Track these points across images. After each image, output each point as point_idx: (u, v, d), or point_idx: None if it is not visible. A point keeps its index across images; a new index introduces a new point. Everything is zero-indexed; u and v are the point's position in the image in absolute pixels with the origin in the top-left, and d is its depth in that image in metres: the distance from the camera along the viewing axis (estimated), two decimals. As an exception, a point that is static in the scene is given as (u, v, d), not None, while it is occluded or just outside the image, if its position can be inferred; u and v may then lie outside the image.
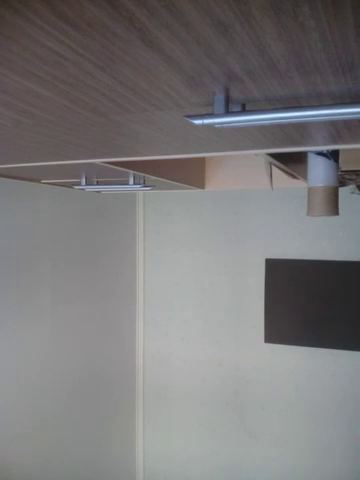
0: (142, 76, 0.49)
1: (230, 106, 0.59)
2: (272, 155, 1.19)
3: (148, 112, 0.62)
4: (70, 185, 1.76)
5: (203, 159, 2.03)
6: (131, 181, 1.44)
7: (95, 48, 0.42)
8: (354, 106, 0.50)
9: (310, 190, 1.21)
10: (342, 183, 1.80)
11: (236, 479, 2.72)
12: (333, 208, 1.20)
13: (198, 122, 0.55)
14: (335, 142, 0.85)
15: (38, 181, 1.67)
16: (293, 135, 0.77)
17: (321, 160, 1.19)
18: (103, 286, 2.54)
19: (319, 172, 1.19)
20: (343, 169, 1.66)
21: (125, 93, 0.54)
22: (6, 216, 1.91)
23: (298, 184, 1.86)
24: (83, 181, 1.50)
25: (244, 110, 0.59)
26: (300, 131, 0.74)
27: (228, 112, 0.55)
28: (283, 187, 1.92)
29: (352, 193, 2.39)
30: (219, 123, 0.55)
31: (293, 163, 1.42)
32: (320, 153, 1.19)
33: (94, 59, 0.45)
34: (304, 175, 1.48)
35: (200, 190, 2.05)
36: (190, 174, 1.87)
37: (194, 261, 2.77)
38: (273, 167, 1.64)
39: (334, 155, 1.20)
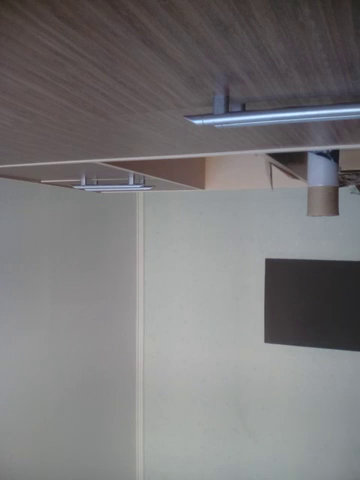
0: (142, 76, 0.49)
1: (230, 106, 0.59)
2: (272, 155, 1.18)
3: (148, 112, 0.62)
4: (70, 185, 1.76)
5: (203, 159, 2.03)
6: (131, 181, 1.44)
7: (95, 48, 0.42)
8: (354, 106, 0.50)
9: (310, 190, 1.21)
10: (342, 183, 1.80)
11: (236, 479, 2.72)
12: (333, 208, 1.20)
13: (198, 122, 0.55)
14: (335, 142, 0.85)
15: (38, 181, 1.67)
16: (293, 135, 0.77)
17: (321, 160, 1.19)
18: (103, 286, 2.54)
19: (319, 172, 1.19)
20: (343, 169, 1.66)
21: (125, 93, 0.54)
22: (6, 216, 1.91)
23: (298, 184, 1.86)
24: (83, 181, 1.50)
25: (244, 110, 0.59)
26: (300, 131, 0.74)
27: (228, 112, 0.55)
28: (283, 187, 1.92)
29: (352, 193, 2.39)
30: (219, 123, 0.55)
31: (293, 163, 1.42)
32: (320, 153, 1.19)
33: (94, 59, 0.45)
34: (304, 175, 1.48)
35: (200, 190, 2.05)
36: (190, 174, 1.87)
37: (194, 261, 2.77)
38: (273, 167, 1.64)
39: (334, 155, 1.20)
